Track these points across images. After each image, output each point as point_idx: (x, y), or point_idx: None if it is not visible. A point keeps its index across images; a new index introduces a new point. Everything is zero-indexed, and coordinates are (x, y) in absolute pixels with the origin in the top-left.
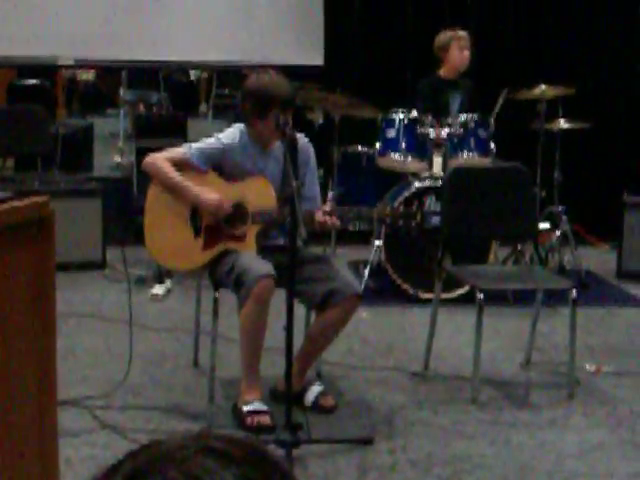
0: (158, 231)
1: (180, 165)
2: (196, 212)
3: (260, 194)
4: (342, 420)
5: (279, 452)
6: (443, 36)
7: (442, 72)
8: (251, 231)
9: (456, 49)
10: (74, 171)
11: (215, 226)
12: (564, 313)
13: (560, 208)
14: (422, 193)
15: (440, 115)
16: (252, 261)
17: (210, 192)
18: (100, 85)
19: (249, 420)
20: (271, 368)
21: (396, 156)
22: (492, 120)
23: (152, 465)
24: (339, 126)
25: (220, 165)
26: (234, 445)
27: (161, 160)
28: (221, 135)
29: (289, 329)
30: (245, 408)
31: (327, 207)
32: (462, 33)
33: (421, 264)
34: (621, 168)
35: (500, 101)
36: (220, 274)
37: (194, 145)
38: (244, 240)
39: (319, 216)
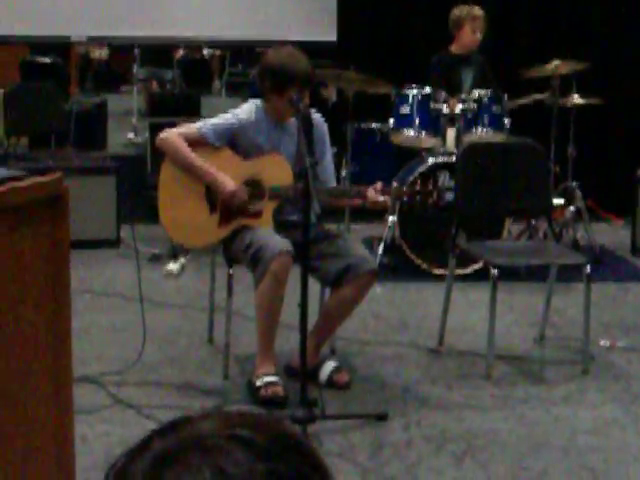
0: (173, 208)
1: (194, 142)
2: (211, 188)
3: (276, 170)
4: (356, 396)
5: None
6: (458, 12)
7: (454, 48)
8: (268, 207)
9: (469, 29)
10: (88, 148)
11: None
12: (578, 289)
13: (574, 184)
14: (436, 169)
15: (453, 91)
16: (270, 237)
17: (226, 177)
18: (113, 62)
19: (263, 392)
20: (286, 344)
21: (410, 132)
22: (506, 96)
23: (179, 452)
24: (353, 103)
25: (235, 142)
26: (266, 435)
27: (175, 137)
28: (237, 111)
29: (303, 305)
30: (259, 381)
31: (379, 185)
32: (477, 13)
33: (435, 240)
34: (635, 143)
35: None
36: (236, 251)
37: (210, 121)
38: (260, 216)
39: (371, 194)
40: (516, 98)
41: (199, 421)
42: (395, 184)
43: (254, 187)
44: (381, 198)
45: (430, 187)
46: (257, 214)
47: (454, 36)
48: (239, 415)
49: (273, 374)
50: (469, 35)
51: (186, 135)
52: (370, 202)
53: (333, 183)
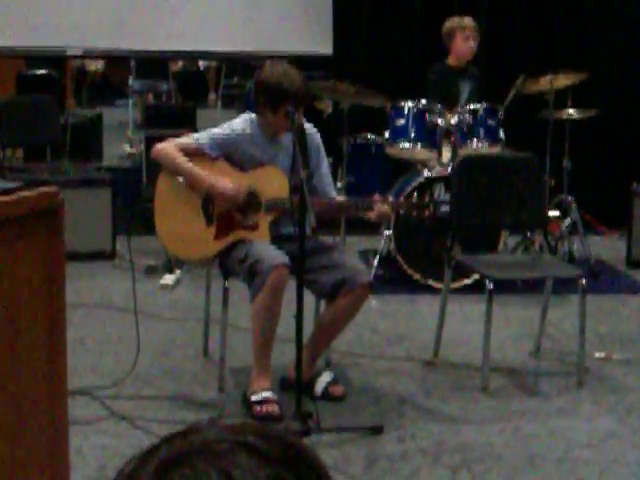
0: (169, 220)
1: (190, 153)
2: (208, 200)
3: (272, 183)
4: (352, 409)
5: None
6: (449, 23)
7: (450, 60)
8: (264, 220)
9: (460, 39)
10: (83, 161)
11: (227, 215)
12: (574, 301)
13: (569, 197)
14: (432, 182)
15: (450, 103)
16: (266, 250)
17: (224, 180)
18: (109, 75)
19: (257, 409)
20: (281, 357)
21: (405, 145)
22: (502, 108)
23: (186, 456)
24: (348, 115)
25: (231, 154)
26: (272, 443)
27: (172, 148)
28: (232, 124)
29: (299, 318)
30: (254, 397)
31: (376, 197)
32: (467, 22)
33: (431, 253)
34: (630, 156)
35: (514, 89)
36: (232, 263)
37: (205, 133)
38: (257, 229)
39: (378, 206)
40: (511, 111)
41: (207, 429)
42: (390, 197)
43: (250, 199)
44: (386, 206)
45: (426, 199)
46: (253, 227)
47: (448, 49)
48: (246, 424)
49: (268, 389)
50: (461, 44)
51: (182, 146)
52: (377, 214)
53: (332, 192)
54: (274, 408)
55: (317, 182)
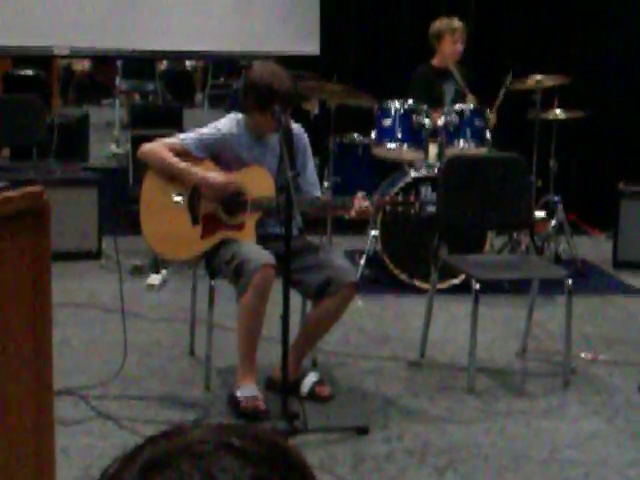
0: (155, 220)
1: (176, 153)
2: (194, 200)
3: (259, 183)
4: (338, 409)
5: None
6: (438, 24)
7: (435, 61)
8: (250, 220)
9: (449, 41)
10: (70, 160)
11: (213, 214)
12: (560, 302)
13: (556, 197)
14: (418, 182)
15: (435, 104)
16: (253, 250)
17: (214, 173)
18: (96, 75)
19: (244, 404)
20: (267, 357)
21: (392, 145)
22: (489, 110)
23: (170, 457)
24: (335, 115)
25: (217, 154)
26: (256, 443)
27: (159, 147)
28: (218, 124)
29: (285, 318)
30: (239, 393)
31: (360, 195)
32: (457, 24)
33: (417, 253)
34: (617, 157)
35: (502, 92)
36: (219, 263)
37: (191, 134)
38: (243, 229)
39: (357, 202)
40: (498, 112)
41: (190, 430)
42: (377, 196)
43: (236, 198)
44: (366, 202)
45: (412, 198)
46: (239, 226)
47: (435, 49)
48: (229, 425)
49: (254, 387)
50: (450, 47)
51: (168, 146)
52: (357, 211)
53: (317, 192)
54: (260, 403)
55: (302, 182)
